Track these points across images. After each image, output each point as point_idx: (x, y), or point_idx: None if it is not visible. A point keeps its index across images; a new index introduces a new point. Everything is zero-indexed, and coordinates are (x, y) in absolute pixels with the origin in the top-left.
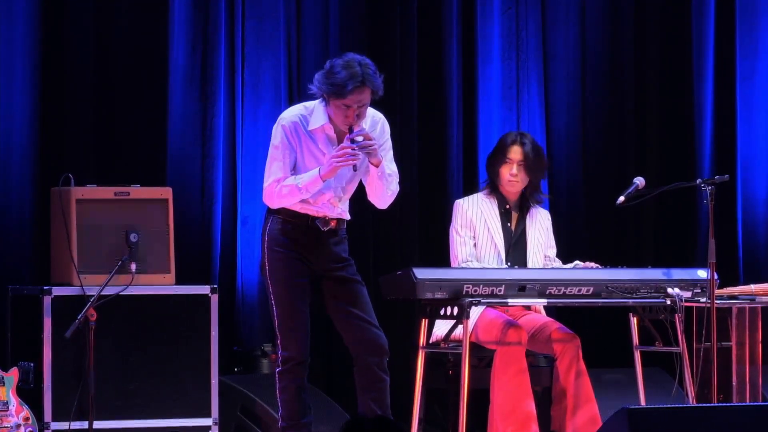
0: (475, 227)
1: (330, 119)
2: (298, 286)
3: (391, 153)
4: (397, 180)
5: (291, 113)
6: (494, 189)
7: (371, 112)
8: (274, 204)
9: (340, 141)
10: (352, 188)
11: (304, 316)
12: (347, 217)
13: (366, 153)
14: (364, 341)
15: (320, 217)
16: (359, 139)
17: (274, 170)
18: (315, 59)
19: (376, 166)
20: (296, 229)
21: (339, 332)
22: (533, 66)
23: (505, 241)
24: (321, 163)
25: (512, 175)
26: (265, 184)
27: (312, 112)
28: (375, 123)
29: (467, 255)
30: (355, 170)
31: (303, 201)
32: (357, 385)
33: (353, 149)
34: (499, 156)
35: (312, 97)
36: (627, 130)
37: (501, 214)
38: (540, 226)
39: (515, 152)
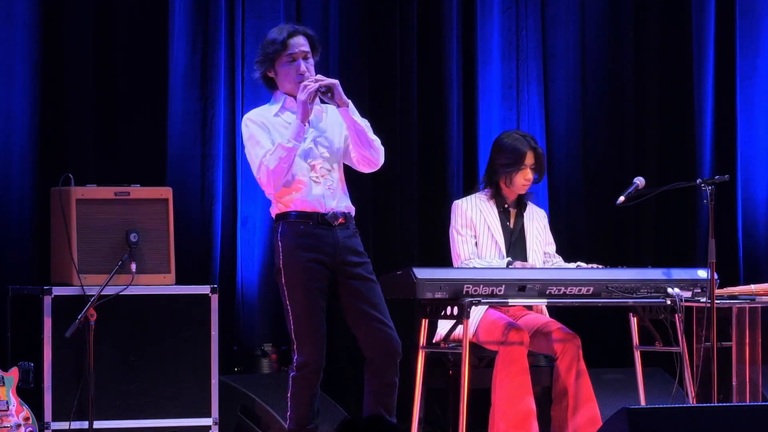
0: (475, 226)
1: (287, 95)
2: (315, 291)
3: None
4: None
5: (251, 111)
6: (497, 192)
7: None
8: (271, 182)
9: None
10: (339, 158)
11: (321, 322)
12: (352, 209)
13: (326, 86)
14: (379, 343)
15: (329, 212)
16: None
17: (257, 153)
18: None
19: (345, 106)
20: (309, 228)
21: (351, 330)
22: (533, 66)
23: (505, 239)
24: None
25: (527, 180)
26: (255, 169)
27: (268, 106)
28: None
29: (469, 253)
30: (323, 94)
31: (304, 190)
32: (366, 386)
33: (313, 82)
34: (515, 165)
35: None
36: (627, 130)
37: (500, 213)
38: (538, 224)
39: (530, 157)
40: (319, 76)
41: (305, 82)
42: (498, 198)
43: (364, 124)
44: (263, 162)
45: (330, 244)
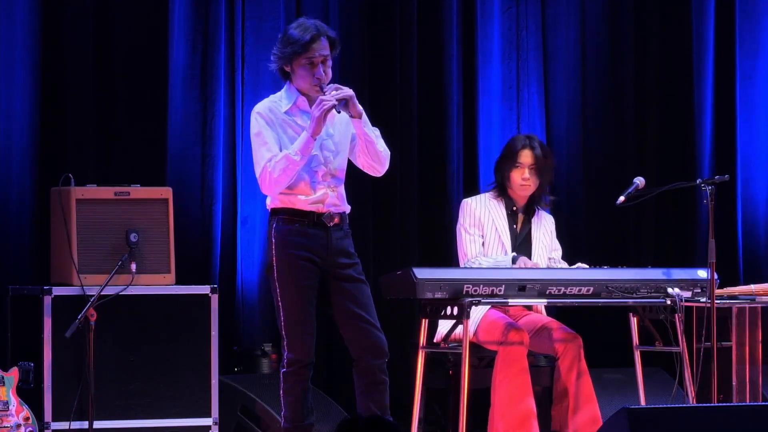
0: (483, 226)
1: (300, 93)
2: (306, 288)
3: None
4: (383, 142)
5: (261, 103)
6: (503, 192)
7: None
8: (272, 188)
9: None
10: (343, 163)
11: (311, 318)
12: (347, 209)
13: (343, 99)
14: (366, 343)
15: (325, 212)
16: (333, 92)
17: (263, 154)
18: None
19: (359, 117)
20: (304, 227)
21: (339, 330)
22: (533, 66)
23: (511, 242)
24: None
25: (524, 180)
26: (258, 172)
27: (281, 97)
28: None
29: (476, 252)
30: (338, 112)
31: (305, 195)
32: (356, 387)
33: (329, 98)
34: (509, 161)
35: (272, 91)
36: (627, 130)
37: (508, 215)
38: (545, 229)
39: (526, 156)
40: (335, 88)
41: (322, 97)
42: (506, 199)
43: (375, 134)
44: (267, 167)
45: (323, 245)
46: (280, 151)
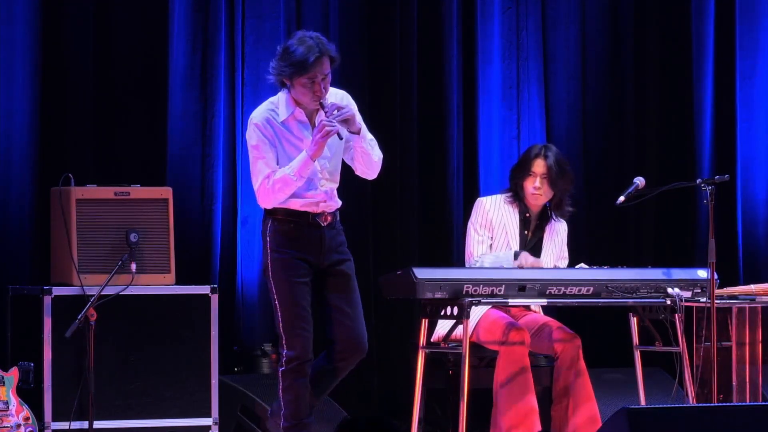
0: (493, 228)
1: (297, 104)
2: (302, 286)
3: (363, 124)
4: (378, 147)
5: (259, 111)
6: (517, 198)
7: (332, 90)
8: (270, 203)
9: (312, 123)
10: (337, 164)
11: (308, 316)
12: (339, 203)
13: (345, 120)
14: (348, 340)
15: (319, 212)
16: (335, 112)
17: (260, 169)
18: None
19: (358, 132)
20: (298, 228)
21: (324, 324)
22: (533, 66)
23: (519, 248)
24: (301, 149)
25: (536, 188)
26: (256, 186)
27: (278, 105)
28: (341, 98)
29: (482, 254)
30: (341, 138)
31: (300, 196)
32: (321, 361)
33: (331, 121)
34: (522, 169)
35: (272, 93)
36: (627, 130)
37: (521, 220)
38: (556, 237)
39: (539, 165)
40: (336, 107)
41: (325, 122)
42: (520, 205)
43: (371, 145)
44: (266, 184)
45: (317, 245)
46: (278, 163)
